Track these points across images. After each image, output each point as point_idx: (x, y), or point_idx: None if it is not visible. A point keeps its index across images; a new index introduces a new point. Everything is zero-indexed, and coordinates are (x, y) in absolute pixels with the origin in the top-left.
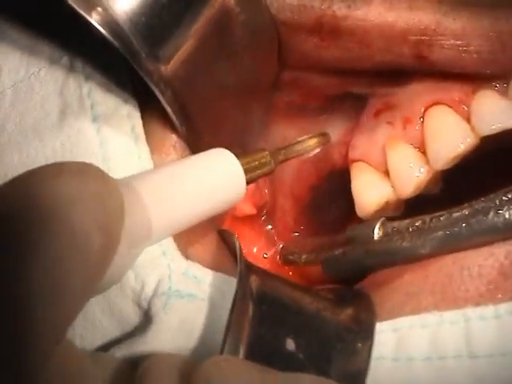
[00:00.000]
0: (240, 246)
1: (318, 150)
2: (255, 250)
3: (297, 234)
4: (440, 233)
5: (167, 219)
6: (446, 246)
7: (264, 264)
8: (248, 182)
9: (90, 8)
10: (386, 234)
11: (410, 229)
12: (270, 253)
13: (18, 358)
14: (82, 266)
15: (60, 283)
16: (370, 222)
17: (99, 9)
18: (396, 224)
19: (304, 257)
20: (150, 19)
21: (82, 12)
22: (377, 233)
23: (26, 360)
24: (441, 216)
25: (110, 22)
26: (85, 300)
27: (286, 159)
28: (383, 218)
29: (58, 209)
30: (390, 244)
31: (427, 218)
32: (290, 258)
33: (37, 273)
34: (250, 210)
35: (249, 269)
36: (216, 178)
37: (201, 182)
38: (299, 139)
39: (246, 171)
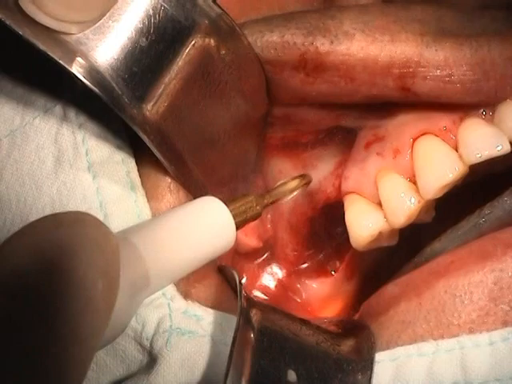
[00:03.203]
0: (240, 280)
1: (299, 191)
2: (257, 284)
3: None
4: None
5: (164, 268)
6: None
7: (267, 297)
8: (237, 228)
9: (71, 58)
10: None
11: None
12: (273, 287)
13: None
14: (91, 313)
15: (74, 333)
16: None
17: (79, 58)
18: None
19: None
20: (131, 64)
21: (62, 62)
22: None
23: None
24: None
25: (91, 71)
26: (96, 348)
27: (272, 202)
28: None
29: (63, 261)
30: None
31: None
32: None
33: (51, 323)
34: (255, 243)
35: (249, 302)
36: (208, 226)
37: (193, 231)
38: (281, 182)
39: (235, 217)
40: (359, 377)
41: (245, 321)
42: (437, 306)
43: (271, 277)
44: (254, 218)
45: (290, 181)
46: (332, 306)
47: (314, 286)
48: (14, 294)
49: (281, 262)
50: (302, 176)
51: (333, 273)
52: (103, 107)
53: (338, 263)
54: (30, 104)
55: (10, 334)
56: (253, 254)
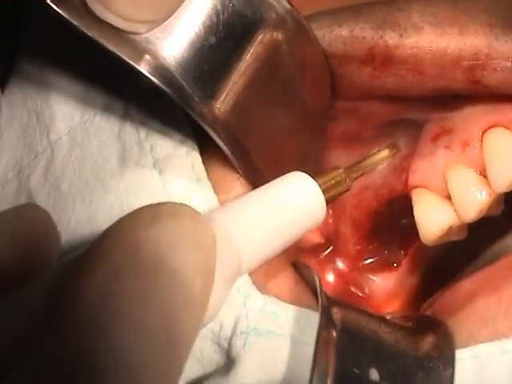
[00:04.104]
0: (319, 279)
1: (388, 161)
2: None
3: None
4: None
5: (254, 249)
6: None
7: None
8: (327, 202)
9: (139, 57)
10: None
11: None
12: (335, 282)
13: None
14: (190, 312)
15: (175, 333)
16: None
17: (148, 57)
18: None
19: None
20: (200, 62)
21: (131, 62)
22: None
23: None
24: None
25: (160, 70)
26: (191, 347)
27: (361, 174)
28: None
29: (162, 258)
30: None
31: None
32: None
33: (152, 327)
34: (317, 239)
35: (329, 301)
36: (297, 202)
37: (283, 208)
38: (369, 154)
39: (324, 192)
40: (441, 374)
41: (327, 319)
42: None
43: (334, 272)
44: (343, 192)
45: (378, 152)
46: (395, 300)
47: (377, 280)
48: (110, 295)
49: (343, 257)
50: (392, 145)
51: (395, 266)
52: (165, 103)
53: (401, 257)
54: (90, 101)
55: (104, 341)
56: (315, 249)
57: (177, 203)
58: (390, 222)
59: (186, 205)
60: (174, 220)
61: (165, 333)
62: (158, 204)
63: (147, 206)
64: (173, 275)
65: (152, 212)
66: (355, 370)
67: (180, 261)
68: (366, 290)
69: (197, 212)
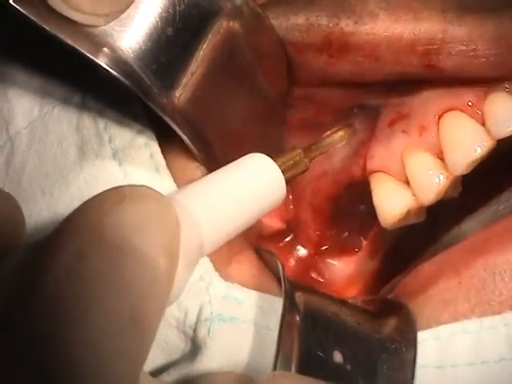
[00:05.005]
0: (282, 265)
1: (344, 142)
2: None
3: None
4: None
5: (216, 229)
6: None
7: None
8: (287, 182)
9: (98, 50)
10: None
11: None
12: (296, 267)
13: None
14: (155, 293)
15: (139, 313)
16: None
17: (106, 49)
18: None
19: None
20: (157, 53)
21: (89, 55)
22: None
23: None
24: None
25: (119, 62)
26: (158, 326)
27: (319, 154)
28: None
29: (127, 239)
30: None
31: None
32: None
33: (117, 307)
34: (278, 225)
35: (292, 285)
36: (257, 182)
37: (243, 187)
38: (326, 134)
39: (283, 172)
40: (404, 355)
41: (290, 304)
42: (477, 284)
43: (294, 256)
44: (301, 172)
45: (335, 132)
46: (356, 285)
47: (337, 265)
48: (77, 276)
49: (303, 242)
50: (347, 125)
51: (356, 251)
52: (122, 92)
53: (361, 242)
54: (48, 94)
55: (71, 322)
56: (276, 236)
57: (141, 186)
58: (350, 208)
59: (149, 187)
60: (138, 202)
61: (129, 313)
62: (123, 186)
63: (112, 188)
64: (138, 257)
65: (117, 194)
66: (319, 352)
67: (145, 242)
68: (327, 275)
69: (160, 194)
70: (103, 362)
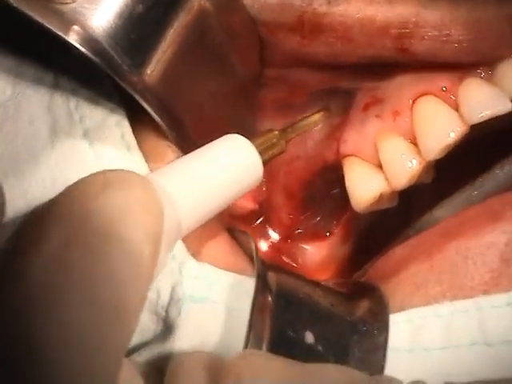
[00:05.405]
0: (256, 244)
1: (321, 124)
2: None
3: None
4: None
5: (193, 210)
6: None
7: None
8: (264, 163)
9: (68, 27)
10: None
11: None
12: (268, 250)
13: (91, 369)
14: (138, 282)
15: (124, 304)
16: None
17: (76, 27)
18: None
19: None
20: (128, 31)
21: (59, 33)
22: None
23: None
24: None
25: (89, 40)
26: (141, 312)
27: (295, 136)
28: None
29: (114, 226)
30: None
31: None
32: None
33: (103, 298)
34: (251, 205)
35: (265, 266)
36: (234, 162)
37: (220, 168)
38: (303, 116)
39: (260, 153)
40: (375, 338)
41: (262, 284)
42: (449, 267)
43: (267, 240)
44: (278, 154)
45: (311, 115)
46: (328, 269)
47: (309, 249)
48: (62, 267)
49: (276, 226)
50: (324, 109)
51: (328, 235)
52: (94, 72)
53: (333, 226)
54: (21, 74)
55: (56, 315)
56: (248, 217)
57: (126, 171)
58: (323, 192)
59: (134, 172)
60: (124, 188)
61: (115, 304)
62: (108, 172)
63: (97, 173)
64: (124, 245)
65: (102, 180)
66: (291, 333)
67: (131, 229)
68: (299, 259)
69: (146, 179)
70: (88, 357)
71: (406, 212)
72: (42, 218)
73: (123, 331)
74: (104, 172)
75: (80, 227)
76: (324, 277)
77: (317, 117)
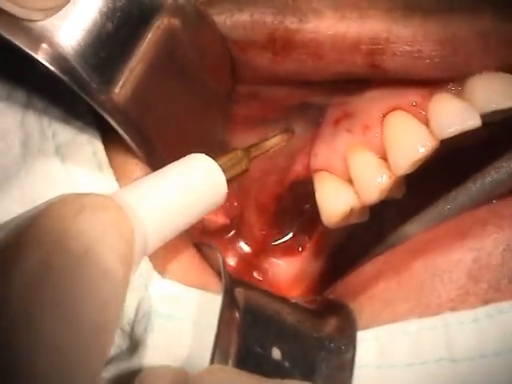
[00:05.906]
0: (223, 259)
1: (283, 144)
2: None
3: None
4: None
5: (159, 230)
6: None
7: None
8: (227, 181)
9: (36, 45)
10: None
11: None
12: (239, 265)
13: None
14: (115, 304)
15: (102, 322)
16: None
17: (44, 45)
18: None
19: None
20: (97, 49)
21: (28, 50)
22: None
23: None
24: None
25: (57, 58)
26: (116, 330)
27: (258, 155)
28: None
29: (90, 248)
30: None
31: None
32: None
33: (82, 318)
34: (223, 220)
35: (233, 281)
36: (198, 181)
37: (184, 187)
38: (267, 137)
39: (224, 171)
40: (343, 355)
41: (230, 300)
42: (416, 285)
43: (238, 255)
44: (241, 173)
45: (274, 135)
46: (299, 285)
47: (281, 264)
48: (46, 285)
49: (248, 241)
50: (286, 129)
51: (300, 250)
52: (66, 90)
53: (305, 242)
54: None
55: (35, 331)
56: (220, 231)
57: (100, 195)
58: (294, 207)
59: (107, 196)
60: (99, 212)
61: (94, 324)
62: (83, 195)
63: (73, 196)
64: (100, 268)
65: (77, 204)
66: (257, 349)
67: (107, 253)
68: (270, 275)
69: (118, 205)
70: (70, 376)
71: (378, 227)
72: (19, 239)
73: (103, 349)
74: (79, 196)
75: (59, 250)
76: (295, 292)
77: (279, 138)
